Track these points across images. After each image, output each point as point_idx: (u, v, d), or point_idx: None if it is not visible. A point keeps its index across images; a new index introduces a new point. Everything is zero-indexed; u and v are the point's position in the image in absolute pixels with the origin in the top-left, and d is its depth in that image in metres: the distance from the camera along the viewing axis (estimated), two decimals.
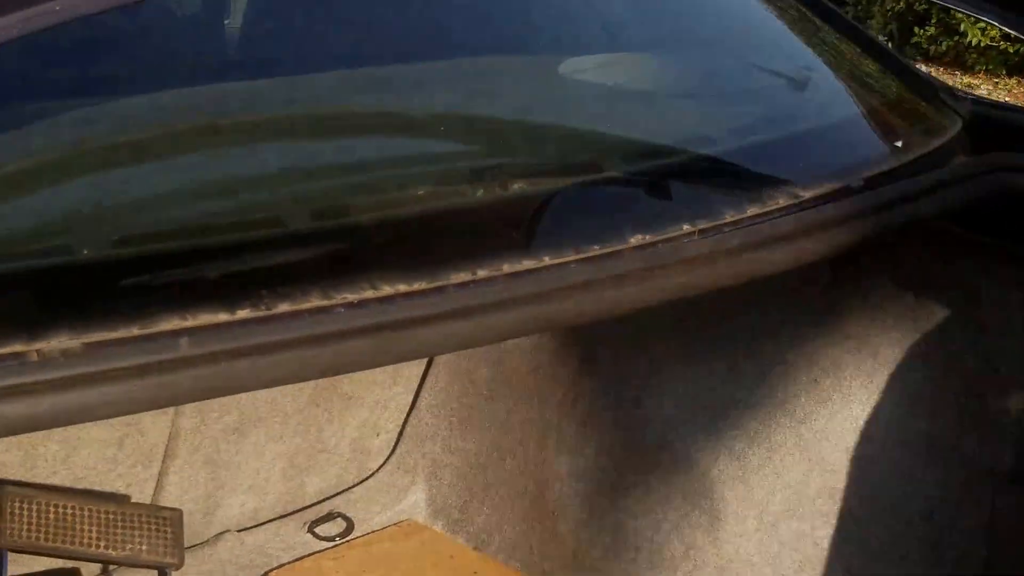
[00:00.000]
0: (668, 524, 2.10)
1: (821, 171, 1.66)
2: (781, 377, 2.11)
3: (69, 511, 1.74)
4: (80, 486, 1.96)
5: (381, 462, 2.40)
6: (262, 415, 2.16)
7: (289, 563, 2.19)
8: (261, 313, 1.19)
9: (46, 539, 1.69)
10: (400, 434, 2.40)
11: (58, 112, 1.37)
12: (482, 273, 1.35)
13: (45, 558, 1.78)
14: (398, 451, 2.40)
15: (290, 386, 2.17)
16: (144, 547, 1.78)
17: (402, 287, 1.27)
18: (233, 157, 1.41)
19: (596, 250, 1.41)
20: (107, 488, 2.00)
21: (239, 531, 2.23)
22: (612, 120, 1.72)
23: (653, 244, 1.45)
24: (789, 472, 2.07)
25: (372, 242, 1.35)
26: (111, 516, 1.79)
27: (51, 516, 1.72)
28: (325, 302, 1.22)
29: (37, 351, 1.08)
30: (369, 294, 1.24)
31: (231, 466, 2.16)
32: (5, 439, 1.81)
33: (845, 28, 2.10)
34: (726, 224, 1.51)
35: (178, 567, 1.79)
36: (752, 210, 1.53)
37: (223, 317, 1.17)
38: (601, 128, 1.71)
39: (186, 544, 2.14)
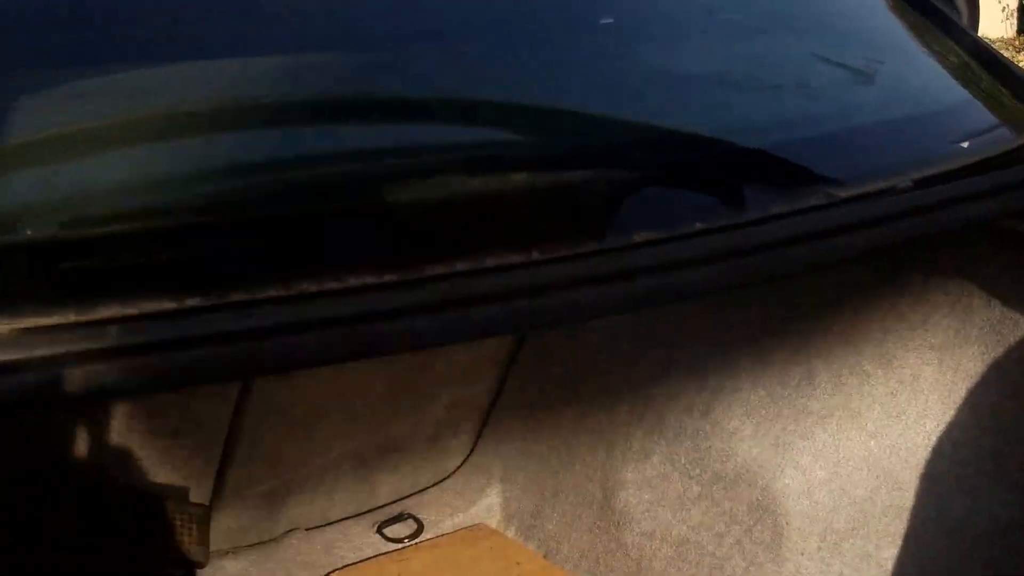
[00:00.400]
0: (731, 538, 2.03)
1: (864, 169, 1.56)
2: (857, 388, 2.01)
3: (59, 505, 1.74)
4: (133, 477, 1.99)
5: (458, 463, 2.39)
6: (329, 410, 2.15)
7: (354, 564, 2.19)
8: (212, 302, 1.15)
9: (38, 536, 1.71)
10: (478, 435, 2.37)
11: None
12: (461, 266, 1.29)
13: None
14: (475, 453, 2.38)
15: (359, 382, 2.17)
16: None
17: (370, 279, 1.22)
18: (193, 141, 1.38)
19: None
20: (163, 480, 2.03)
21: (306, 529, 2.23)
22: (642, 105, 1.65)
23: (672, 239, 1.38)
24: (856, 488, 1.97)
25: (340, 230, 1.31)
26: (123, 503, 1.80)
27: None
28: (283, 292, 1.18)
29: None
30: (333, 285, 1.20)
31: (296, 463, 2.17)
32: None
33: (930, 11, 1.98)
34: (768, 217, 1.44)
35: (202, 565, 1.79)
36: (777, 208, 1.45)
37: (169, 305, 1.13)
38: (629, 114, 1.64)
39: (250, 542, 2.17)
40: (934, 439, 1.94)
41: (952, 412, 1.93)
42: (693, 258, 1.40)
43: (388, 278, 1.23)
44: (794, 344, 2.04)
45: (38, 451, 1.88)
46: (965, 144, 1.65)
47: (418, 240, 1.32)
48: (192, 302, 1.14)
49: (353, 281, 1.21)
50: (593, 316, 1.79)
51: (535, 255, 1.30)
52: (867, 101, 1.83)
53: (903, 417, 1.97)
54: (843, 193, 1.47)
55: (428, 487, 2.37)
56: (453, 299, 1.26)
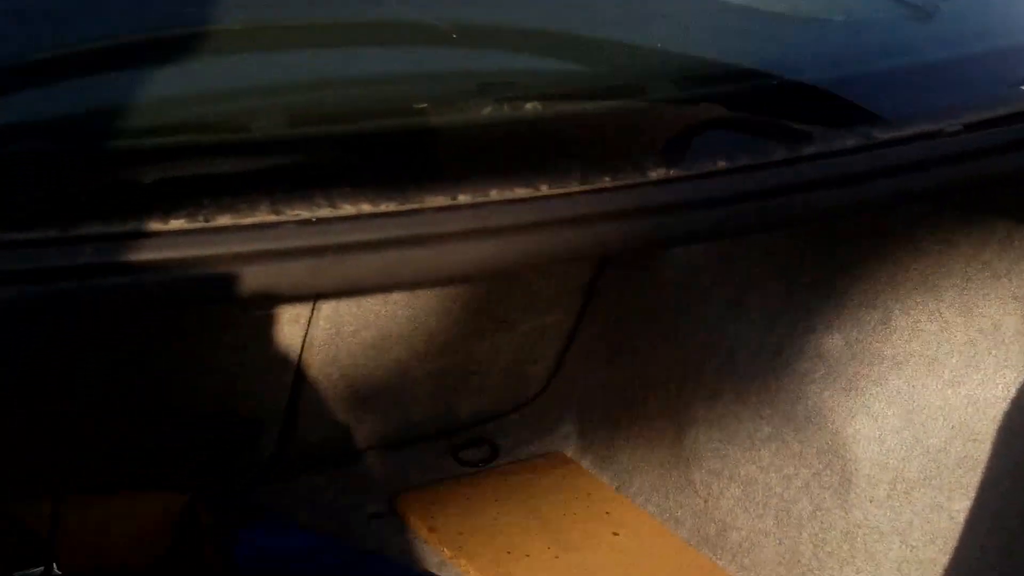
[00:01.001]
0: (799, 481, 2.00)
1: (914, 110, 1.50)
2: (935, 335, 1.95)
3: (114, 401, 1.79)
4: (207, 389, 2.04)
5: (537, 391, 2.39)
6: (404, 333, 2.17)
7: (426, 484, 2.22)
8: (198, 225, 1.16)
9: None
10: (558, 364, 2.37)
11: None
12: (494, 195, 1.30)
13: None
14: (554, 381, 2.38)
15: (434, 306, 2.18)
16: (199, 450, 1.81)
17: (366, 207, 1.23)
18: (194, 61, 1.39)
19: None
20: (239, 391, 2.07)
21: (380, 448, 2.26)
22: (690, 36, 1.61)
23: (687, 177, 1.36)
24: (930, 438, 1.92)
25: (331, 157, 1.32)
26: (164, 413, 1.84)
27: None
28: (272, 217, 1.18)
29: None
30: (326, 212, 1.20)
31: (372, 383, 2.20)
32: None
33: None
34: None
35: (243, 476, 1.82)
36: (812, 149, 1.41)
37: (155, 226, 1.14)
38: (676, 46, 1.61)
39: (325, 459, 2.21)
40: (1013, 391, 1.88)
41: None
42: (762, 190, 1.38)
43: (462, 199, 1.24)
44: (871, 288, 1.98)
45: (117, 351, 1.93)
46: None
47: (492, 164, 1.32)
48: (177, 224, 1.14)
49: (424, 202, 1.21)
50: (667, 243, 1.78)
51: (607, 181, 1.30)
52: (928, 38, 1.75)
53: (981, 367, 1.90)
54: (890, 134, 1.41)
55: (506, 413, 2.37)
56: (533, 223, 1.26)
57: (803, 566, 1.98)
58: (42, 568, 1.72)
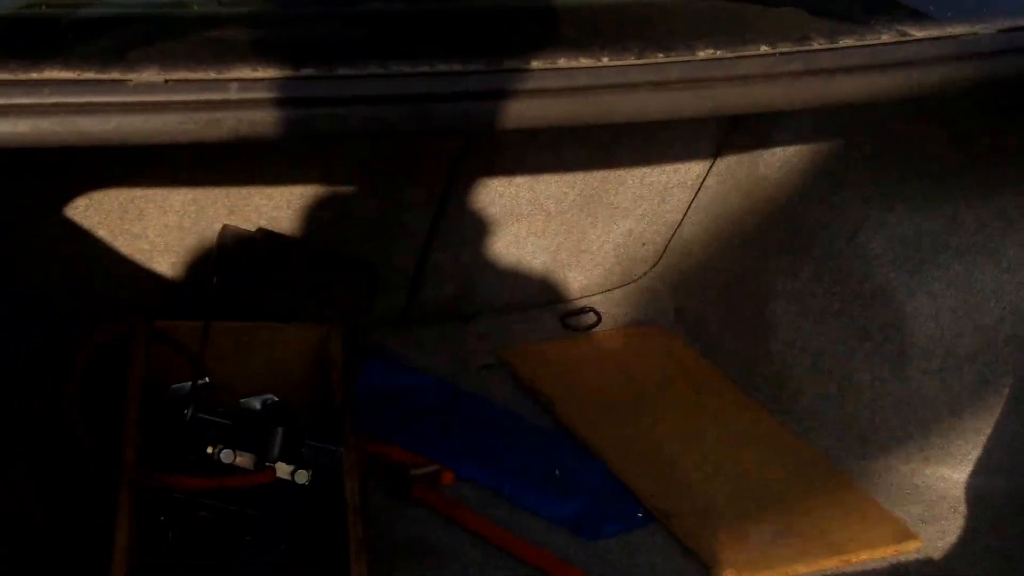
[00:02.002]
0: (861, 353, 2.21)
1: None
2: (999, 230, 2.14)
3: (280, 252, 2.08)
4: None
5: (645, 270, 2.63)
6: (524, 212, 2.43)
7: (533, 343, 2.49)
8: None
9: (254, 272, 2.05)
10: (665, 248, 2.61)
11: None
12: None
13: None
14: (661, 262, 2.62)
15: (553, 190, 2.43)
16: (340, 290, 2.09)
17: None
18: None
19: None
20: (373, 249, 2.35)
21: (496, 311, 2.54)
22: None
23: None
24: (983, 317, 2.11)
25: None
26: (316, 260, 2.13)
27: (263, 254, 2.07)
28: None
29: None
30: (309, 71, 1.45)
31: (493, 253, 2.47)
32: (277, 199, 2.23)
33: None
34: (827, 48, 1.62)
35: (365, 314, 2.09)
36: (846, 40, 1.62)
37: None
38: None
39: (445, 316, 2.49)
40: None
41: None
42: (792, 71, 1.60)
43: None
44: (942, 188, 2.17)
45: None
46: None
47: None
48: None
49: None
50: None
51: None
52: None
53: None
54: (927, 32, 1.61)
55: (613, 288, 2.62)
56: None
57: (860, 430, 2.20)
58: (191, 382, 1.99)
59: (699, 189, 2.52)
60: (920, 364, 2.13)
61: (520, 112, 1.55)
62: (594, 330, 2.55)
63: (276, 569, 1.81)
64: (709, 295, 2.49)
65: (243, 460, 1.82)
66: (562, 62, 1.55)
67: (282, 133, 1.40)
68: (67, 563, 1.70)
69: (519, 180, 2.38)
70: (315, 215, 2.21)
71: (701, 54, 1.59)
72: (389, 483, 2.07)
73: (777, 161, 2.36)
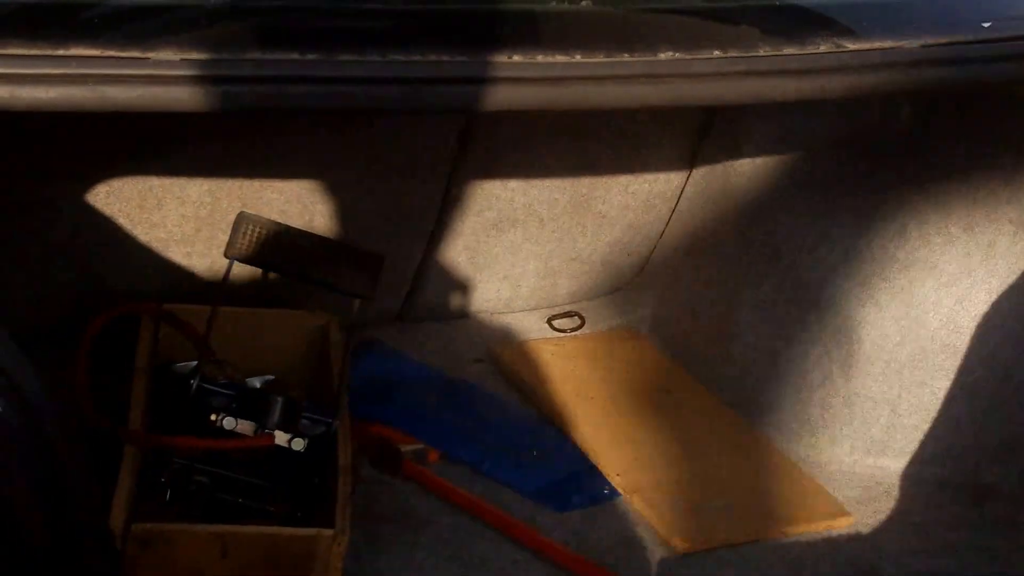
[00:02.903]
0: (813, 356, 2.42)
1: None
2: (940, 246, 2.35)
3: (291, 240, 2.29)
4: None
5: (628, 279, 2.85)
6: (519, 218, 2.65)
7: (521, 342, 2.71)
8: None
9: (266, 257, 2.25)
10: (648, 257, 2.83)
11: None
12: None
13: None
14: (644, 272, 2.84)
15: (546, 196, 2.65)
16: (346, 278, 2.29)
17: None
18: None
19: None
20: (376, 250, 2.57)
21: (488, 312, 2.77)
22: None
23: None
24: (921, 327, 2.32)
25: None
26: (326, 250, 2.30)
27: (275, 241, 2.25)
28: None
29: None
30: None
31: (489, 256, 2.69)
32: (288, 193, 2.45)
33: None
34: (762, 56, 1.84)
35: (370, 299, 2.32)
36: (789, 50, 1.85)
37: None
38: None
39: (441, 315, 2.71)
40: (995, 295, 2.28)
41: (1015, 277, 2.25)
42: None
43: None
44: (893, 203, 2.39)
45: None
46: (986, 24, 1.95)
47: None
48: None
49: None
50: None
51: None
52: None
53: (973, 274, 2.31)
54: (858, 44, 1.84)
55: (598, 296, 2.84)
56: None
57: (812, 425, 2.41)
58: (196, 362, 2.15)
59: (678, 200, 2.75)
60: (865, 367, 2.34)
61: (500, 97, 1.76)
62: (577, 333, 2.77)
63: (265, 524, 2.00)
64: (683, 303, 2.71)
65: (244, 427, 2.03)
66: (540, 58, 1.77)
67: (283, 106, 1.61)
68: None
69: (514, 185, 2.60)
70: (322, 211, 2.43)
71: (662, 55, 1.80)
72: (380, 460, 2.29)
73: (746, 176, 2.59)
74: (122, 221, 2.34)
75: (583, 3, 1.84)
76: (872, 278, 2.36)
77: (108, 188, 2.29)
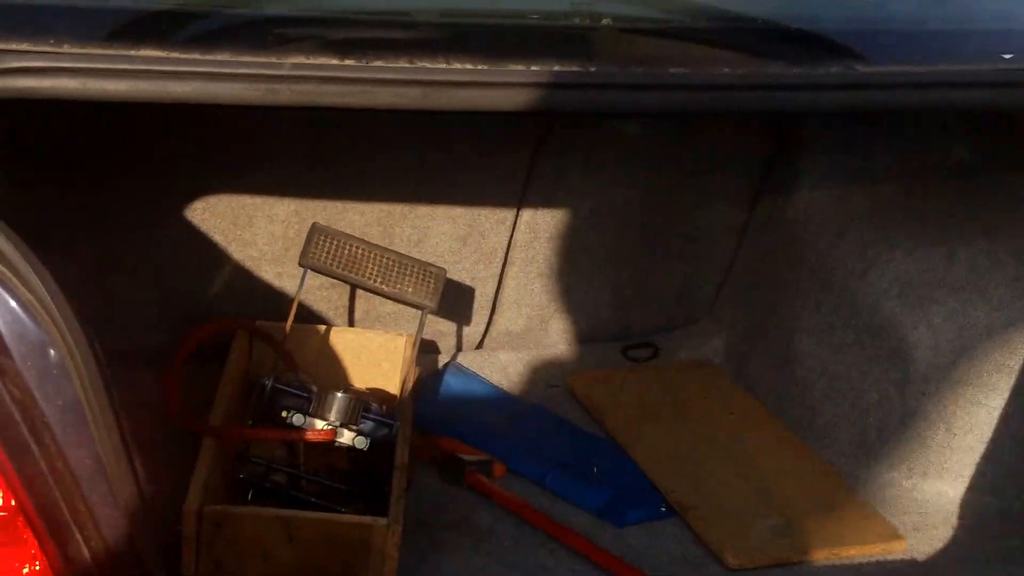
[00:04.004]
0: (871, 377, 2.49)
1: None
2: (989, 270, 2.42)
3: (360, 251, 2.48)
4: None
5: (702, 311, 2.95)
6: (590, 247, 2.78)
7: (595, 369, 2.83)
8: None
9: (336, 267, 2.47)
10: (719, 290, 2.93)
11: None
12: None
13: None
14: (717, 303, 2.94)
15: (615, 226, 2.79)
16: (410, 289, 2.49)
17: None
18: None
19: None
20: (453, 278, 2.74)
21: (564, 342, 2.89)
22: None
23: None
24: (974, 348, 2.38)
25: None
26: (391, 262, 2.49)
27: (345, 252, 2.46)
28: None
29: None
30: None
31: (562, 285, 2.81)
32: (369, 215, 2.63)
33: None
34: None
35: (432, 310, 2.47)
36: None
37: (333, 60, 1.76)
38: None
39: (517, 344, 2.85)
40: None
41: None
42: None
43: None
44: (943, 228, 2.47)
45: None
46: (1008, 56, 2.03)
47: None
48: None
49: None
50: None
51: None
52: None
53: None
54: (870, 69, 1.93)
55: (672, 328, 2.94)
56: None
57: (869, 446, 2.47)
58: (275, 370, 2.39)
59: (744, 233, 2.85)
60: (920, 387, 2.40)
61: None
62: (650, 362, 2.87)
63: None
64: (751, 332, 2.80)
65: (311, 424, 2.19)
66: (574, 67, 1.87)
67: (324, 103, 1.76)
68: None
69: (584, 214, 2.75)
70: (400, 234, 2.61)
71: (672, 70, 1.90)
72: (446, 470, 2.42)
73: (803, 207, 2.68)
74: (218, 238, 2.52)
75: (604, 21, 1.96)
76: (924, 301, 2.42)
77: (204, 204, 2.49)
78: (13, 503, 1.45)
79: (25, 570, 1.48)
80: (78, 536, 1.49)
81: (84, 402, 1.46)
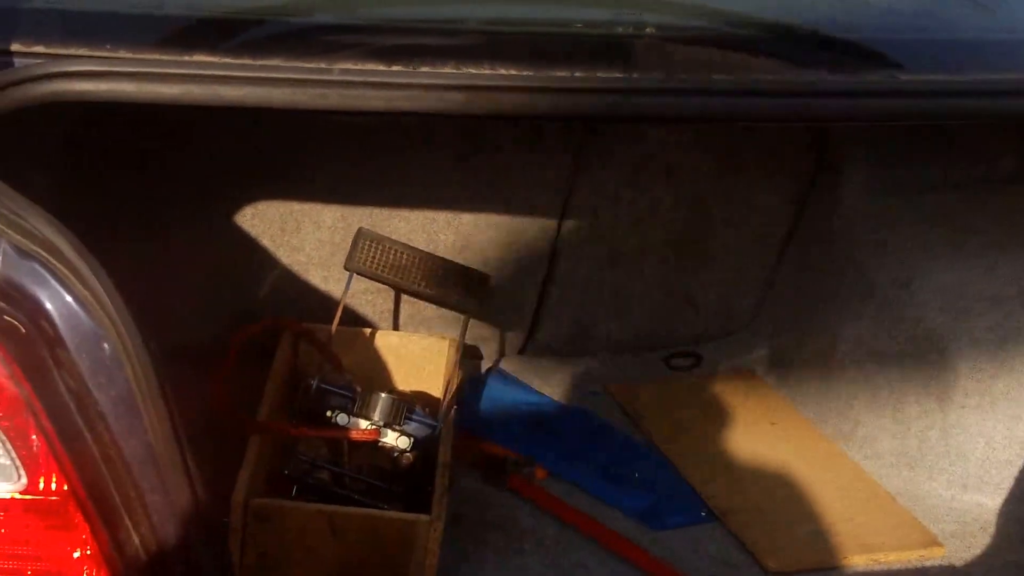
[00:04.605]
0: (914, 389, 2.50)
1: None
2: None
3: (404, 256, 2.52)
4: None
5: (744, 321, 2.97)
6: (632, 256, 2.80)
7: (636, 377, 2.86)
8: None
9: (382, 271, 2.51)
10: (763, 300, 2.95)
11: None
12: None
13: None
14: (760, 313, 2.96)
15: (657, 235, 2.81)
16: (454, 294, 2.52)
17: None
18: None
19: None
20: (496, 283, 2.74)
21: (606, 350, 2.91)
22: None
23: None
24: (1016, 360, 2.39)
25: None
26: (435, 266, 2.53)
27: (390, 257, 2.50)
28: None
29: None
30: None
31: (605, 293, 2.84)
32: (413, 222, 2.66)
33: None
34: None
35: (474, 315, 2.51)
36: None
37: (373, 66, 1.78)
38: None
39: (560, 351, 2.87)
40: None
41: None
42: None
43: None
44: (985, 242, 2.48)
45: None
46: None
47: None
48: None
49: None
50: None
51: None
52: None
53: None
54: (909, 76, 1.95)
55: (713, 338, 2.96)
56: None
57: (910, 457, 2.48)
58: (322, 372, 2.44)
59: (787, 242, 2.86)
60: (960, 400, 2.41)
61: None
62: (693, 371, 2.89)
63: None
64: (794, 342, 2.81)
65: (356, 424, 2.23)
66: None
67: (371, 107, 1.79)
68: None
69: (625, 223, 2.77)
70: (444, 241, 2.65)
71: (714, 76, 1.90)
72: (489, 472, 2.45)
73: (845, 218, 2.70)
74: (266, 242, 2.57)
75: (647, 30, 1.99)
76: (965, 314, 2.43)
77: (254, 210, 2.54)
78: (66, 488, 1.48)
79: (76, 554, 1.52)
80: (128, 523, 1.53)
81: (136, 393, 1.50)
